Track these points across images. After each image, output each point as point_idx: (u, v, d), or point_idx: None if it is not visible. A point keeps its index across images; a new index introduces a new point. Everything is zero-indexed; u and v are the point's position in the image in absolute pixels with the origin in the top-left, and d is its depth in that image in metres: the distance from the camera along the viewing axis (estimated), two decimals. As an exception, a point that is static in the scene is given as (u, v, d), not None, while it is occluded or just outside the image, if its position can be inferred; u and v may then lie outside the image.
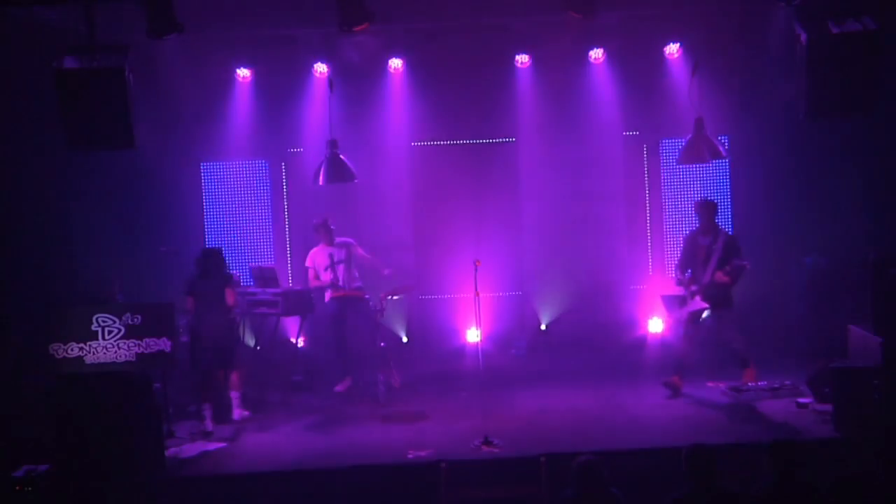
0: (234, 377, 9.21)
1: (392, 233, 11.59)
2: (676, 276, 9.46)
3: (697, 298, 9.12)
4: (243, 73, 11.34)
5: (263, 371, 10.29)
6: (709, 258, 9.13)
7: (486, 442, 7.88)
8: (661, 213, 11.76)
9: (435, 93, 11.48)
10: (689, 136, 9.47)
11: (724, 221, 11.19)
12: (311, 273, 10.23)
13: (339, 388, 10.01)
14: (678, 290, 9.37)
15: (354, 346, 10.19)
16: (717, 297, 9.07)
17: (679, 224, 11.46)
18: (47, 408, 7.83)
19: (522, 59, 11.43)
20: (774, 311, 10.71)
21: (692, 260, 9.31)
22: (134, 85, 8.52)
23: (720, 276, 8.96)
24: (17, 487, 7.13)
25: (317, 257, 10.19)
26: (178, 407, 9.33)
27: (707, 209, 9.31)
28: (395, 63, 11.41)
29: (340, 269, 10.06)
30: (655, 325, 11.24)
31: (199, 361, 8.92)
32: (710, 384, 9.54)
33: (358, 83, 11.27)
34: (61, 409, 7.70)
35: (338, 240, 10.18)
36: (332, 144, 9.69)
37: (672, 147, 11.14)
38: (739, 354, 9.19)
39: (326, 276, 10.04)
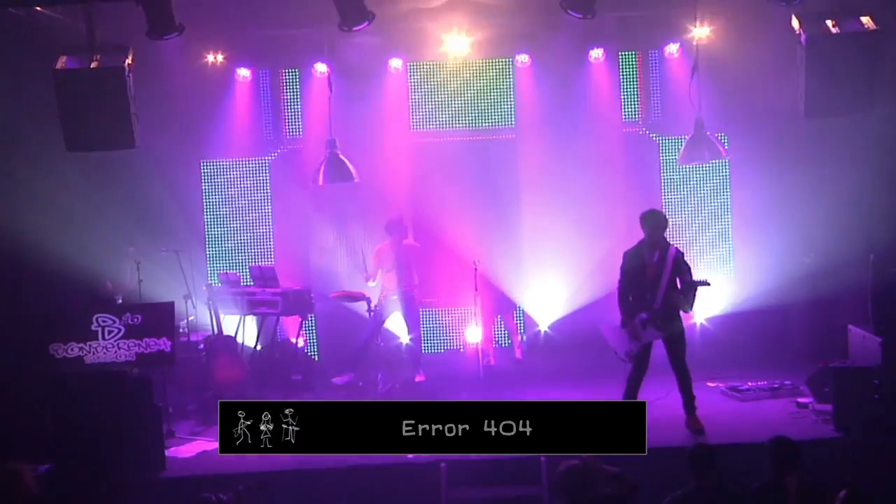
0: None
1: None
2: (622, 303, 8.16)
3: (651, 329, 7.95)
4: (243, 73, 11.34)
5: (263, 371, 10.29)
6: (658, 279, 7.94)
7: (487, 441, 7.85)
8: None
9: (435, 92, 11.45)
10: (690, 135, 9.49)
11: (725, 222, 11.18)
12: (370, 267, 10.25)
13: (337, 380, 10.01)
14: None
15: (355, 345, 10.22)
16: (671, 324, 8.01)
17: (678, 225, 11.42)
18: (47, 408, 7.82)
19: (522, 58, 11.43)
20: (774, 312, 10.69)
21: (637, 282, 8.07)
22: (134, 85, 8.52)
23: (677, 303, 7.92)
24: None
25: (384, 254, 10.26)
26: (178, 407, 9.33)
27: (654, 221, 8.08)
28: (395, 63, 11.40)
29: (404, 269, 10.18)
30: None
31: None
32: (710, 384, 9.54)
33: (358, 83, 11.25)
34: (61, 409, 7.70)
35: (405, 242, 10.32)
36: (332, 144, 9.70)
37: (672, 147, 11.14)
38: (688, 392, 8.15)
39: (390, 276, 10.14)
